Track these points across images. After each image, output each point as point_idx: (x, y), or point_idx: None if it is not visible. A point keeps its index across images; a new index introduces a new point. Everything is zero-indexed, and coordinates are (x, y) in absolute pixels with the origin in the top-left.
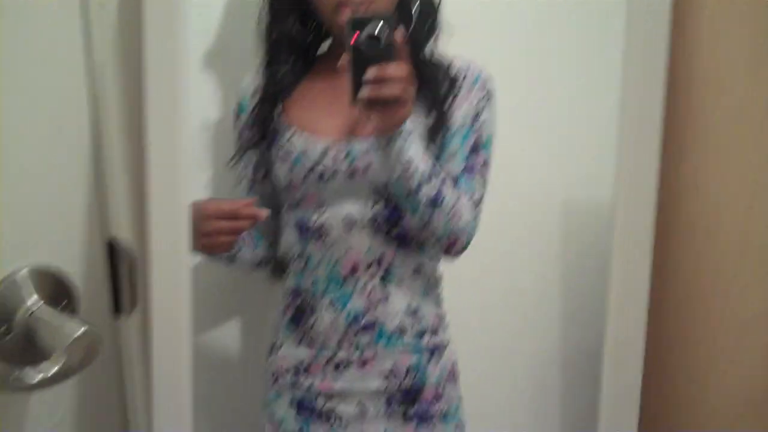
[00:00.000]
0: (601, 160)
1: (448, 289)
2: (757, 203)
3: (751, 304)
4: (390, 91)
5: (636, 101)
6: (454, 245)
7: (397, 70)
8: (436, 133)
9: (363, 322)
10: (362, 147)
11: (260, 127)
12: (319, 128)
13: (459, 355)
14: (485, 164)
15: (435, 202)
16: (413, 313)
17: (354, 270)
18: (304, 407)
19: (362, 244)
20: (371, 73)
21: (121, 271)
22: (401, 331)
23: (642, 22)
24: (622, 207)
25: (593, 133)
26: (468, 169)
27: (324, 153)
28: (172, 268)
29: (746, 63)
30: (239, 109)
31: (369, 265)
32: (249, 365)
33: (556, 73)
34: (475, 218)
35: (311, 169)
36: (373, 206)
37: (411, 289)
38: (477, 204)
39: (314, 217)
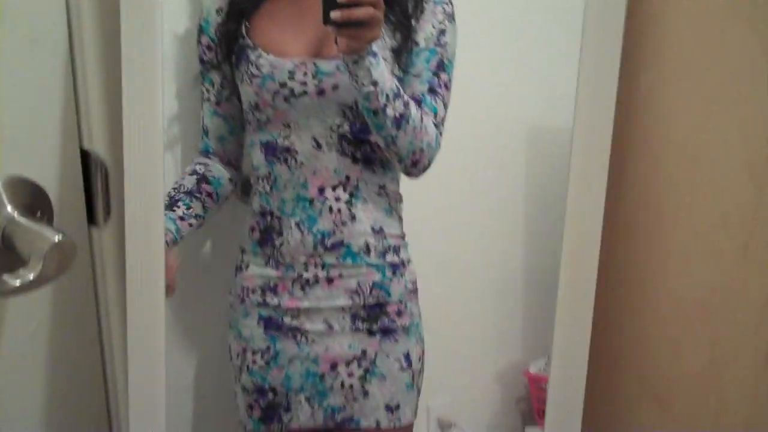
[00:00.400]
0: (566, 86)
1: (414, 212)
2: (711, 117)
3: (703, 212)
4: (361, 13)
5: (596, 28)
6: (417, 164)
7: None
8: (401, 54)
9: (330, 242)
10: (330, 66)
11: (225, 47)
12: (285, 48)
13: (425, 274)
14: (447, 86)
15: (400, 121)
16: (378, 232)
17: (321, 191)
18: (271, 325)
19: (329, 165)
20: None
21: (95, 183)
22: (366, 249)
23: None
24: (581, 131)
25: (558, 59)
26: (431, 90)
27: (292, 73)
28: (147, 178)
29: None
30: (202, 28)
31: (336, 186)
32: (219, 282)
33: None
34: (438, 138)
35: (279, 90)
36: (339, 127)
37: (375, 209)
38: (439, 124)
39: (281, 138)
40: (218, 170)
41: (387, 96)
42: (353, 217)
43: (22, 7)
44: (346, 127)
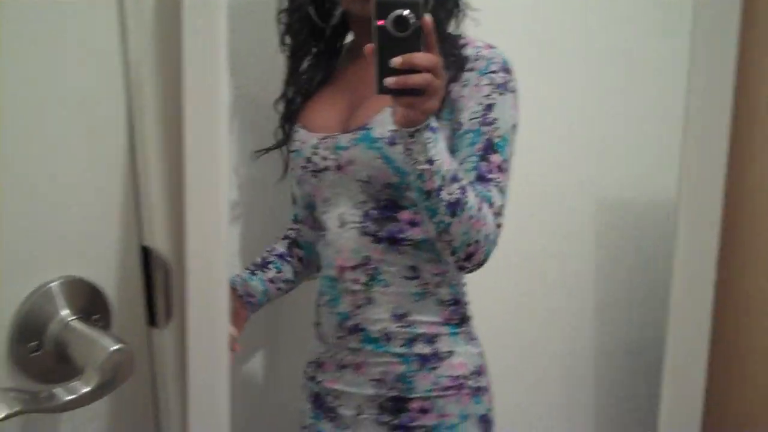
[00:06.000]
0: (634, 159)
1: (478, 284)
2: None
3: None
4: (418, 79)
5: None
6: (471, 258)
7: (426, 58)
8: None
9: (349, 324)
10: (346, 140)
11: (284, 129)
12: (316, 123)
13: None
14: (501, 167)
15: (455, 207)
16: (400, 318)
17: (341, 271)
18: (318, 402)
19: (348, 245)
20: (398, 60)
21: (156, 283)
22: (387, 337)
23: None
24: (687, 207)
25: (628, 131)
26: (480, 177)
27: (315, 148)
28: (211, 278)
29: None
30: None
31: (354, 267)
32: (284, 372)
33: (588, 68)
34: (496, 230)
35: (305, 165)
36: (364, 203)
37: (399, 293)
38: (497, 214)
39: (319, 213)
40: (310, 235)
41: (443, 177)
42: (370, 301)
43: (84, 102)
44: (371, 204)
